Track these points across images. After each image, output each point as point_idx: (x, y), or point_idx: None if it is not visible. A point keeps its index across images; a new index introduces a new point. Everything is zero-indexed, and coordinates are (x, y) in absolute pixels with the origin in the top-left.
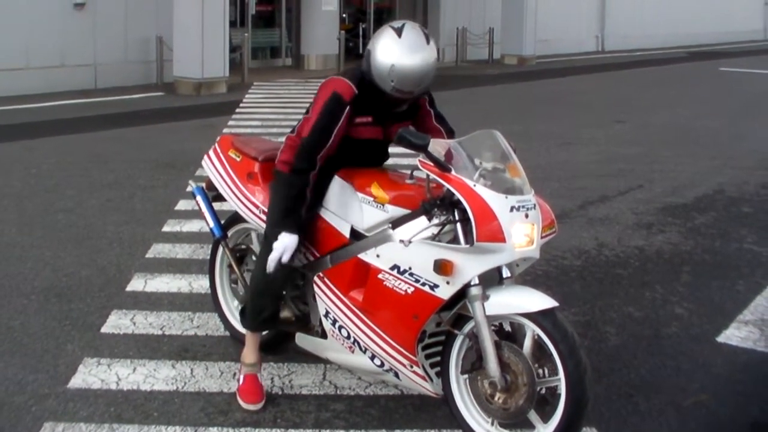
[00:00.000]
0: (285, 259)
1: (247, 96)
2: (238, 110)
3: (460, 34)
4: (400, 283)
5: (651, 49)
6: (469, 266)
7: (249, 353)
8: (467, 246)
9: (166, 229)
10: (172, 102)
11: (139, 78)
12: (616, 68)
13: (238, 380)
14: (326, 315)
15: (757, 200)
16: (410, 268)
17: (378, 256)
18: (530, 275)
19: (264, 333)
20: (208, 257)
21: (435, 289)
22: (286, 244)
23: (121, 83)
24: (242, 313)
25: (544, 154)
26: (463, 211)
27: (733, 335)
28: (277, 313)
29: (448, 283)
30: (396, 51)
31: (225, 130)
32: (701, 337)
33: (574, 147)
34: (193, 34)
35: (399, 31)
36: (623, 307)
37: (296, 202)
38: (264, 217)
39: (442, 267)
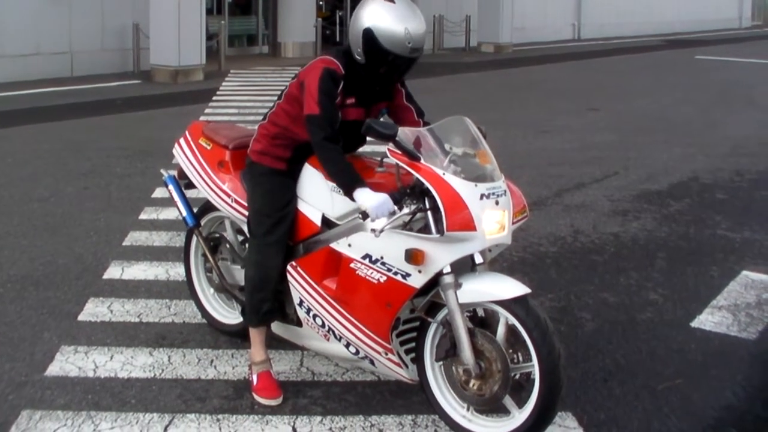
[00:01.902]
0: (390, 208)
1: (223, 84)
2: (215, 98)
3: (436, 22)
4: (372, 272)
5: (627, 37)
6: (441, 255)
7: (256, 352)
8: (438, 235)
9: (143, 216)
10: (148, 90)
11: (116, 66)
12: (592, 56)
13: (252, 381)
14: (300, 304)
15: (730, 187)
16: (382, 258)
17: (350, 245)
18: (507, 261)
19: (238, 322)
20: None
21: (407, 278)
22: (375, 197)
23: (97, 71)
24: (243, 312)
25: (521, 141)
26: (434, 200)
27: (707, 320)
28: (279, 304)
29: (420, 271)
30: (402, 14)
31: (202, 118)
32: (675, 322)
33: (550, 135)
34: (170, 22)
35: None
36: (599, 293)
37: (346, 163)
38: (236, 206)
39: (413, 256)
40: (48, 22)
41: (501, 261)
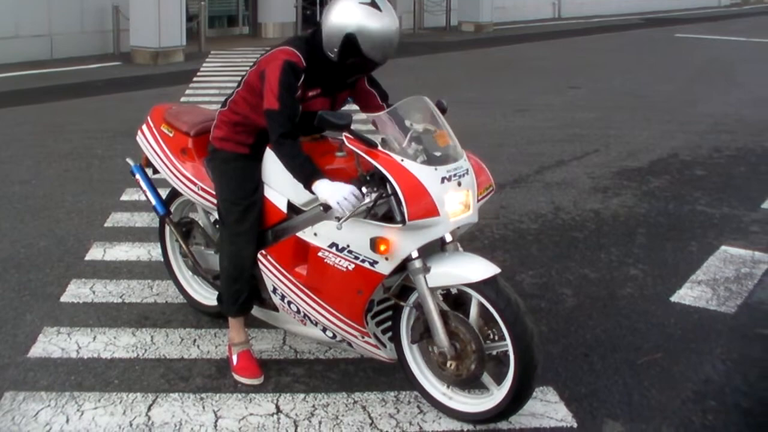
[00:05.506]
0: (354, 196)
1: (204, 65)
2: (195, 79)
3: (417, 1)
4: (340, 260)
5: (607, 15)
6: (406, 242)
7: (235, 333)
8: (401, 224)
9: (124, 198)
10: (129, 72)
11: (96, 48)
12: (572, 35)
13: (232, 361)
14: (274, 291)
15: (709, 163)
16: (348, 246)
17: (315, 234)
18: (488, 239)
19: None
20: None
21: (375, 266)
22: (334, 188)
23: (77, 53)
24: (220, 300)
25: (501, 120)
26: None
27: (687, 295)
28: (255, 292)
29: (387, 259)
30: (387, 24)
31: (182, 99)
32: (655, 297)
33: (530, 113)
34: (150, 3)
35: (374, 5)
36: (579, 269)
37: (304, 157)
38: (203, 194)
39: (378, 245)
40: (27, 4)
41: (482, 239)
